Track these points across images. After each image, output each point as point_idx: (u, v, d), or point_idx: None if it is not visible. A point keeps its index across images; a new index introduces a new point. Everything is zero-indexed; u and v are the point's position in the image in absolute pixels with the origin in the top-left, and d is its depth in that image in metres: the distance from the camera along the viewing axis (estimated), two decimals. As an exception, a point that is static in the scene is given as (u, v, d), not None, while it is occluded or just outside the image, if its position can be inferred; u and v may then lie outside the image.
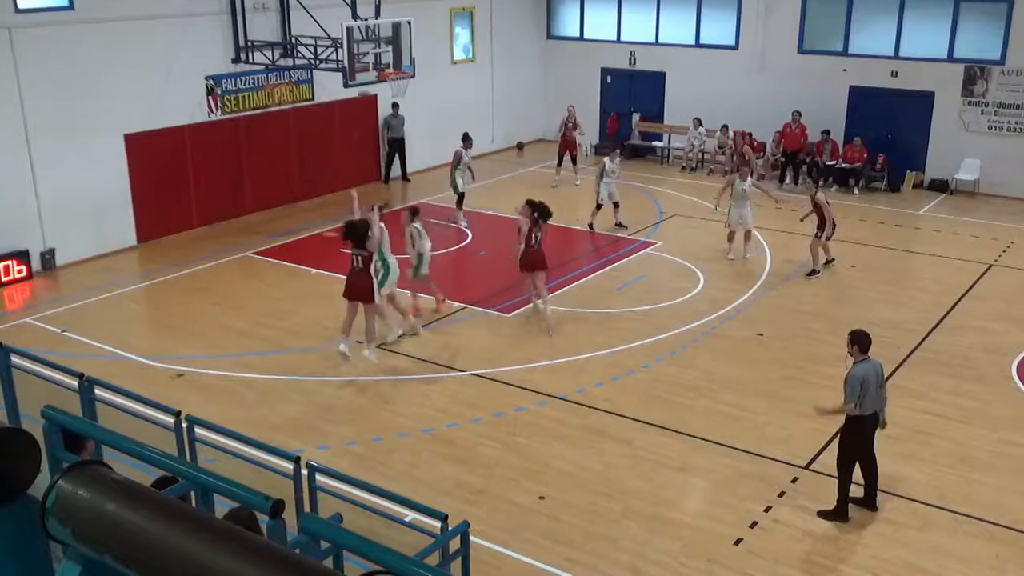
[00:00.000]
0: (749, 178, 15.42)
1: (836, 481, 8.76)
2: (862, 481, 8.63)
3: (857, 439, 8.42)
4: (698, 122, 21.77)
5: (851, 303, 13.75)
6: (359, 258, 11.16)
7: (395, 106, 19.96)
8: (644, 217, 18.01)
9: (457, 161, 17.14)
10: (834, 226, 14.75)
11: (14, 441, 2.71)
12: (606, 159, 16.97)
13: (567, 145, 20.35)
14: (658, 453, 9.64)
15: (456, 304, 13.51)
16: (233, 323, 13.04)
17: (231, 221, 17.65)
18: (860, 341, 8.45)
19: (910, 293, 14.32)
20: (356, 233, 11.11)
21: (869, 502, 8.65)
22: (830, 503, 8.65)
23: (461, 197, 17.32)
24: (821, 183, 20.28)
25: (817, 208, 14.62)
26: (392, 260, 12.06)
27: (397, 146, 20.49)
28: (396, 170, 20.91)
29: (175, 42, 16.24)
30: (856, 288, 14.25)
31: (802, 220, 15.46)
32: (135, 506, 2.25)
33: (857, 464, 8.56)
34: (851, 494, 8.56)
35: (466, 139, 17.54)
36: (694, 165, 22.05)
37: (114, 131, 15.62)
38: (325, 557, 4.37)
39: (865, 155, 20.01)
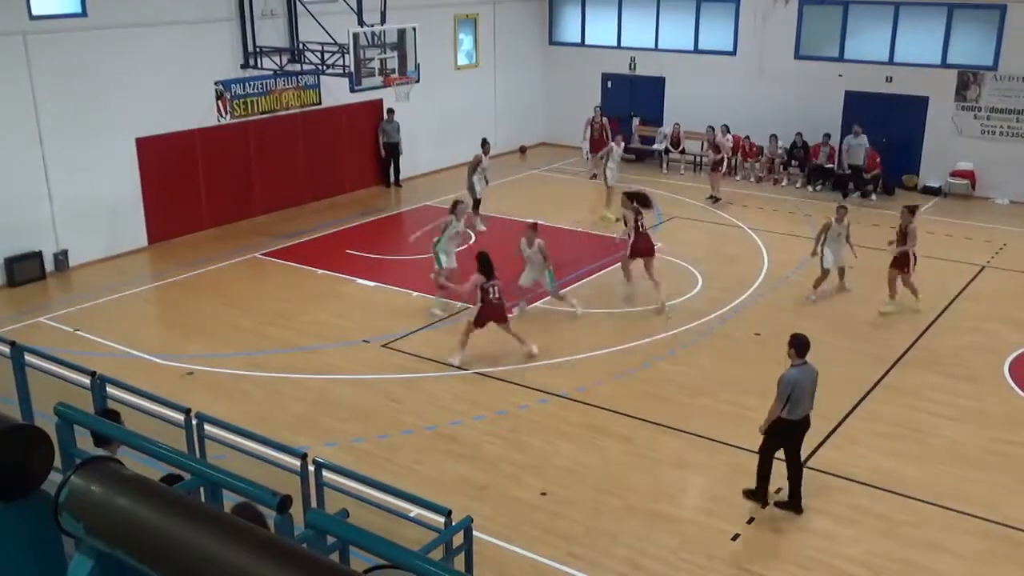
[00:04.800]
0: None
1: (829, 476, 9.13)
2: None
3: (780, 438, 8.60)
4: (726, 128, 21.61)
5: (846, 303, 13.90)
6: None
7: (390, 111, 20.08)
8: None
9: (476, 165, 17.28)
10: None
11: (28, 437, 2.79)
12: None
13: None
14: (657, 450, 9.82)
15: (459, 304, 13.72)
16: (242, 322, 13.24)
17: (240, 223, 17.87)
18: (798, 345, 8.52)
19: (904, 294, 14.44)
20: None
21: (794, 504, 8.68)
22: (827, 500, 8.86)
23: (477, 202, 17.45)
24: (819, 186, 20.49)
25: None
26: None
27: (392, 151, 20.69)
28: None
29: (185, 48, 16.48)
30: (851, 289, 14.38)
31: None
32: (146, 501, 2.31)
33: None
34: (780, 499, 8.76)
35: (485, 144, 17.60)
36: (724, 171, 21.73)
37: (126, 135, 15.86)
38: (331, 552, 4.45)
39: (878, 160, 19.89)
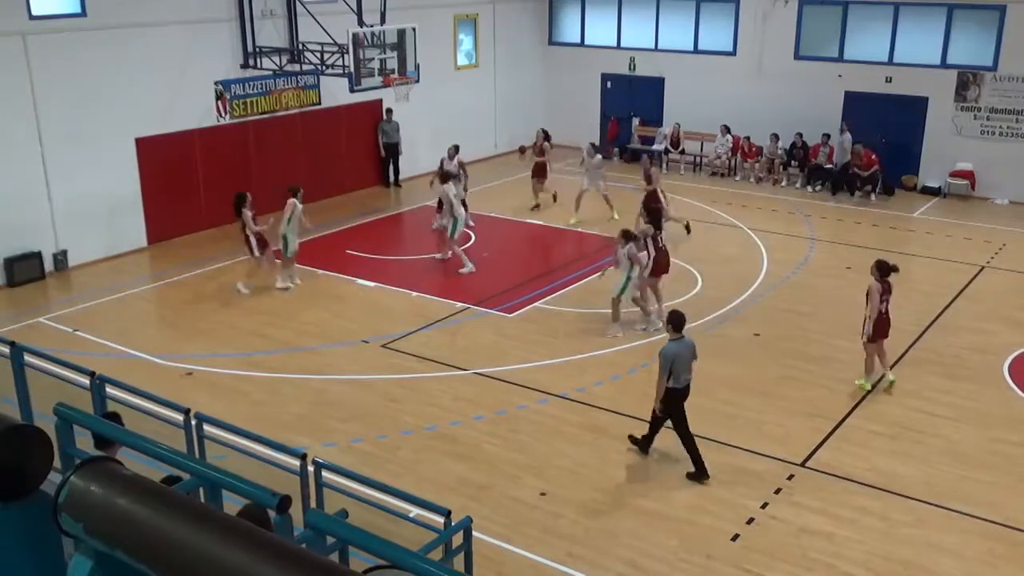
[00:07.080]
0: None
1: (829, 477, 9.13)
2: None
3: (675, 405, 9.31)
4: (726, 129, 21.61)
5: (845, 304, 13.85)
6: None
7: (389, 112, 20.07)
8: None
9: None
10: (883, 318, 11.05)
11: (27, 438, 2.79)
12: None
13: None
14: (656, 451, 9.80)
15: (459, 304, 13.73)
16: (241, 323, 13.24)
17: (239, 223, 17.82)
18: (675, 321, 9.37)
19: (904, 294, 14.34)
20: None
21: (699, 474, 9.25)
22: (827, 500, 8.87)
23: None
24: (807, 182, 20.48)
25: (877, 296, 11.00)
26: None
27: (391, 152, 20.68)
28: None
29: (185, 48, 16.49)
30: (850, 289, 14.34)
31: None
32: (146, 501, 2.30)
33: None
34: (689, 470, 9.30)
35: (452, 151, 17.45)
36: (724, 171, 21.81)
37: (125, 135, 15.86)
38: (331, 552, 4.44)
39: (875, 159, 19.81)
